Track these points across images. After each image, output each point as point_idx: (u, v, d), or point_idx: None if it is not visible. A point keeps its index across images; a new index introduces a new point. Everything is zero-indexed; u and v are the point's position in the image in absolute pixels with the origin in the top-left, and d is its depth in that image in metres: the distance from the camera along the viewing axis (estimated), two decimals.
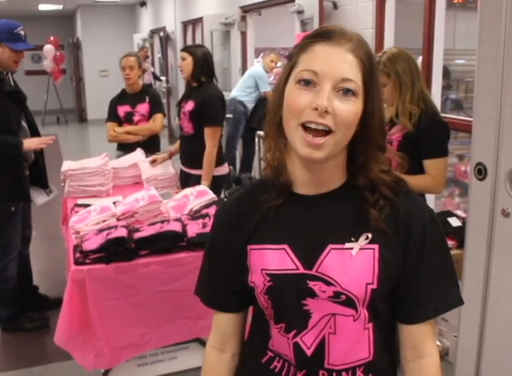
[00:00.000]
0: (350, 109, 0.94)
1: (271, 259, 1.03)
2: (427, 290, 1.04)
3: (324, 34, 0.97)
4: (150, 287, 2.41)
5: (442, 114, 2.69)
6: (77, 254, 2.36)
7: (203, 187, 3.10)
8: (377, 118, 0.99)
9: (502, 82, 2.00)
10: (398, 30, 3.83)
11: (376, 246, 1.00)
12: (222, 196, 3.94)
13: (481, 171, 2.12)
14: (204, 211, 2.75)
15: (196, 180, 3.36)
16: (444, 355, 2.78)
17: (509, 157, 2.02)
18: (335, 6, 4.23)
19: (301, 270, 1.01)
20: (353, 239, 1.00)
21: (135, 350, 2.47)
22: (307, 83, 0.94)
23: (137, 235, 2.43)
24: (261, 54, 8.01)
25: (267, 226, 1.06)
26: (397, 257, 1.01)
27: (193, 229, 2.51)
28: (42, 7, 12.56)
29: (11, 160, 3.09)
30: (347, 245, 1.00)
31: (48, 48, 12.30)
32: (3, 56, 3.07)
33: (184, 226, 2.53)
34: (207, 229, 2.49)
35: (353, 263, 0.99)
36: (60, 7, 12.88)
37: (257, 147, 5.66)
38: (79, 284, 2.31)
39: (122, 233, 2.40)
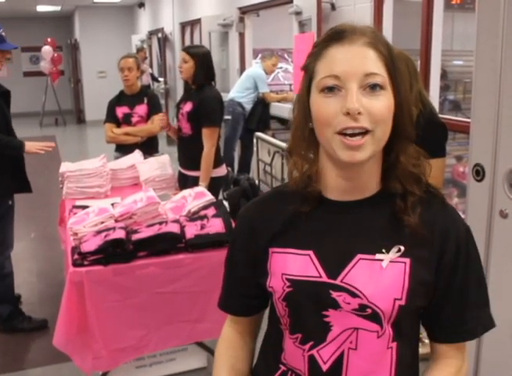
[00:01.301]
0: (382, 104, 0.90)
1: (293, 264, 0.98)
2: (463, 311, 1.00)
3: (335, 36, 0.92)
4: (149, 289, 2.40)
5: (440, 115, 2.69)
6: (75, 256, 2.35)
7: (201, 189, 3.09)
8: (406, 109, 0.95)
9: (500, 83, 2.00)
10: (396, 30, 3.83)
11: (407, 260, 0.95)
12: (220, 197, 3.93)
13: (479, 172, 2.12)
14: (202, 213, 2.74)
15: (194, 182, 3.36)
16: None
17: (507, 158, 2.02)
18: (333, 7, 4.23)
19: (324, 279, 0.96)
20: (384, 250, 0.95)
21: (134, 353, 2.47)
22: (331, 89, 0.90)
23: (135, 236, 2.43)
24: (259, 55, 8.01)
25: (293, 230, 1.01)
26: (429, 273, 0.96)
27: (191, 230, 2.50)
28: (40, 8, 12.55)
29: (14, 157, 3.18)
30: (378, 256, 0.95)
31: (47, 50, 12.28)
32: None
33: (182, 228, 2.53)
34: (205, 230, 2.49)
35: (382, 276, 0.94)
36: (58, 8, 12.87)
37: (255, 148, 5.66)
38: (77, 286, 2.30)
39: (120, 234, 2.39)
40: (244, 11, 6.50)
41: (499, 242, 2.09)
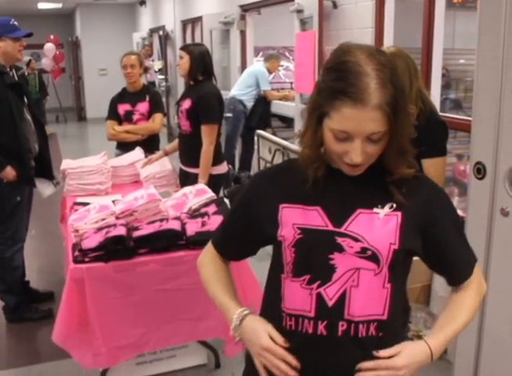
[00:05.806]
0: (379, 147, 1.11)
1: (303, 216, 1.17)
2: (459, 254, 1.23)
3: (350, 94, 1.05)
4: (149, 286, 2.41)
5: (441, 114, 2.69)
6: (76, 253, 2.36)
7: (202, 186, 3.09)
8: (403, 136, 1.12)
9: (501, 82, 2.00)
10: (397, 29, 3.83)
11: (399, 213, 1.17)
12: (221, 195, 3.94)
13: (480, 171, 2.12)
14: (203, 210, 2.74)
15: (195, 179, 3.36)
16: (442, 354, 2.78)
17: (508, 156, 2.02)
18: (335, 5, 4.23)
19: (331, 227, 1.16)
20: (380, 206, 1.17)
21: (134, 351, 2.47)
22: (341, 139, 1.10)
23: (136, 233, 2.43)
24: (261, 53, 8.01)
25: (301, 191, 1.19)
26: (419, 223, 1.18)
27: (192, 227, 2.51)
28: (41, 5, 12.54)
29: (15, 149, 3.15)
30: (375, 210, 1.16)
31: (49, 47, 12.27)
32: (7, 49, 3.16)
33: (183, 225, 2.53)
34: (206, 227, 2.49)
35: (379, 224, 1.15)
36: (59, 5, 12.86)
37: (256, 146, 5.65)
38: (78, 283, 2.30)
39: (121, 231, 2.40)
40: (245, 9, 6.49)
41: (500, 240, 2.09)
